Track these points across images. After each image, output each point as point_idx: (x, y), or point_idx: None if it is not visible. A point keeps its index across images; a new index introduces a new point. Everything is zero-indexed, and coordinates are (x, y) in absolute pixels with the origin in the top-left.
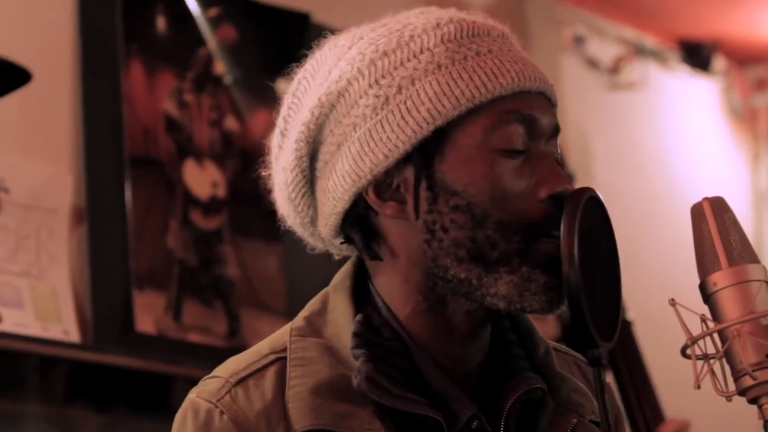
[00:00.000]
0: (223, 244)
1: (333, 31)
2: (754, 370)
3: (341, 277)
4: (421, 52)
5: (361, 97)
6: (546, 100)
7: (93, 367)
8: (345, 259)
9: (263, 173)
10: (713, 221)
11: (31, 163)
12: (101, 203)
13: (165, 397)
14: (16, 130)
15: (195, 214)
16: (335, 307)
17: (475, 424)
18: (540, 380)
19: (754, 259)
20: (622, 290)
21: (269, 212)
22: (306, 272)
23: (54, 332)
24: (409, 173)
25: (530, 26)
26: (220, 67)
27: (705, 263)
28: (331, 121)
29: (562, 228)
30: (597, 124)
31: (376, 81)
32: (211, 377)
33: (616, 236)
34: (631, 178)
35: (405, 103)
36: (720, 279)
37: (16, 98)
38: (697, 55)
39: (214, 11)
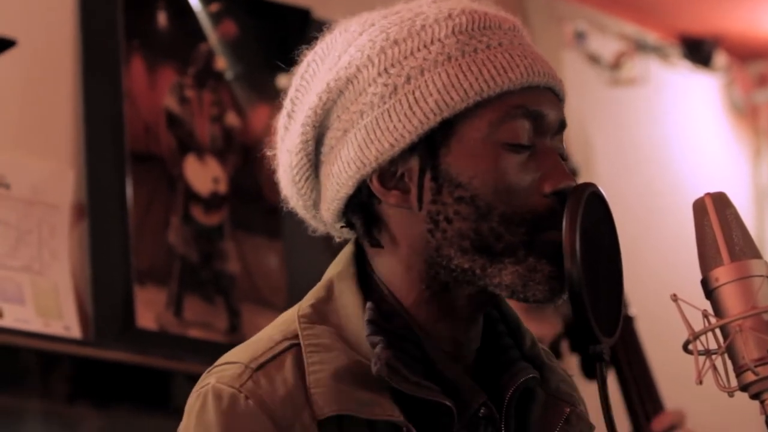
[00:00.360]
0: (224, 239)
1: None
2: (756, 366)
3: (344, 264)
4: (432, 42)
5: (369, 85)
6: (554, 95)
7: (94, 363)
8: (344, 243)
9: (268, 153)
10: (715, 217)
11: (32, 158)
12: (102, 199)
13: (165, 393)
14: (17, 126)
15: (196, 209)
16: (342, 295)
17: (482, 411)
18: (533, 370)
19: (756, 254)
20: (624, 286)
21: (270, 208)
22: (307, 268)
23: (55, 328)
24: (414, 163)
25: (531, 22)
26: (221, 62)
27: (707, 259)
28: (339, 106)
29: (564, 223)
30: (598, 120)
31: (386, 69)
32: (227, 363)
33: (618, 232)
34: (632, 174)
35: (413, 93)
36: (722, 274)
37: (17, 94)
38: (698, 51)
39: (215, 7)
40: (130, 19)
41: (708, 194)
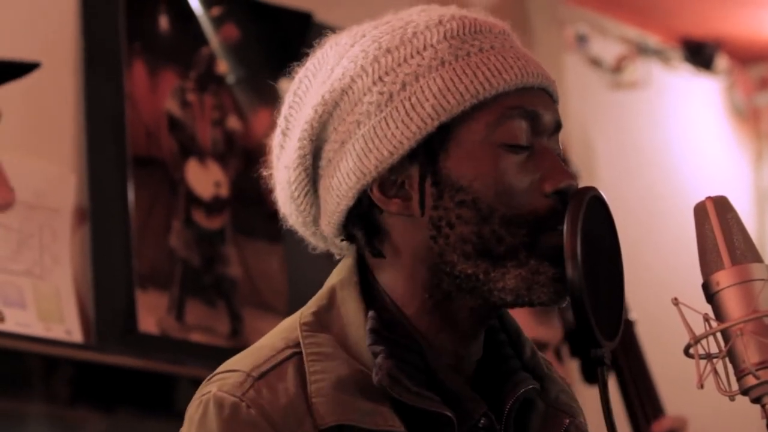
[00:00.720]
0: (226, 243)
1: (335, 31)
2: (757, 370)
3: (347, 273)
4: (425, 48)
5: (364, 95)
6: (548, 96)
7: (95, 367)
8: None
9: (264, 173)
10: (716, 220)
11: (34, 162)
12: (104, 203)
13: (167, 397)
14: (19, 130)
15: (198, 213)
16: (344, 303)
17: (482, 421)
18: (533, 381)
19: (758, 258)
20: (625, 289)
21: (272, 212)
22: (308, 272)
23: (56, 332)
24: (414, 170)
25: (533, 25)
26: (223, 66)
27: (708, 262)
28: (335, 118)
29: (565, 227)
30: (600, 124)
31: (380, 78)
32: (228, 371)
33: (619, 235)
34: (633, 178)
35: (409, 99)
36: (723, 278)
37: (19, 98)
38: (699, 54)
39: (216, 10)
40: (132, 23)
41: (709, 198)
